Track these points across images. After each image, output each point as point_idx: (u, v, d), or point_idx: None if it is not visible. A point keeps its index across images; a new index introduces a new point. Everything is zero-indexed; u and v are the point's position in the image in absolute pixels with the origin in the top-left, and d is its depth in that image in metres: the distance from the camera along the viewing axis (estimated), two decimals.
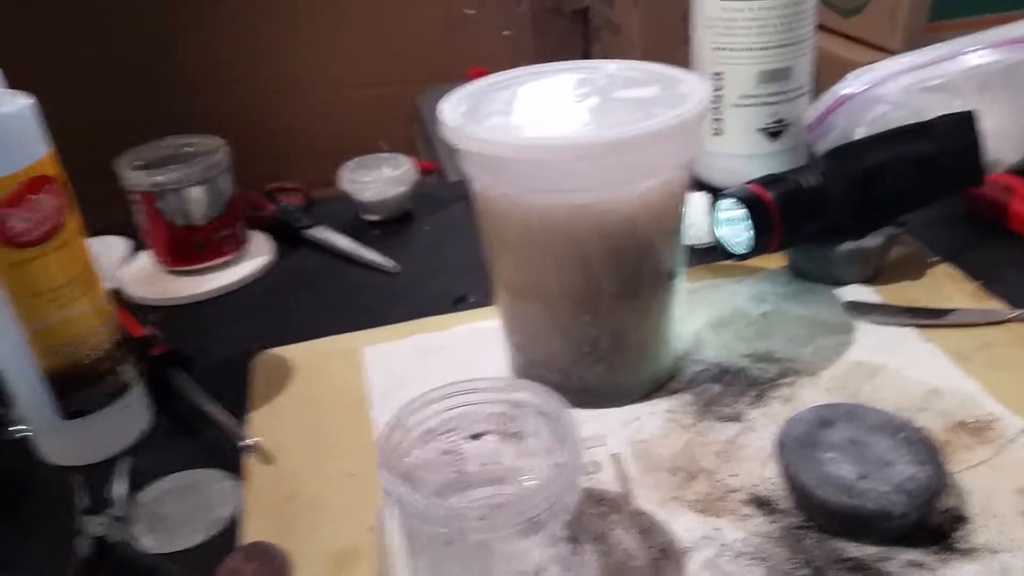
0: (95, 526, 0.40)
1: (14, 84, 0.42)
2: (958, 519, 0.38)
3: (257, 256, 0.68)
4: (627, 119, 0.42)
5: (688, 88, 0.44)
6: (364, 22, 1.34)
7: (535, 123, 0.44)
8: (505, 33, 1.35)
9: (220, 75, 1.31)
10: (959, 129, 0.57)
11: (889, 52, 0.88)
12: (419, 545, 0.34)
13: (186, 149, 0.65)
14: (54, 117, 0.43)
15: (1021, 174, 0.65)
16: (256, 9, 1.31)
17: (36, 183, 0.41)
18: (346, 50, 1.35)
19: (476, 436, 0.38)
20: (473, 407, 0.37)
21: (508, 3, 1.38)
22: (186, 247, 0.64)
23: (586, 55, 1.45)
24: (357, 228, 0.72)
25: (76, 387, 0.45)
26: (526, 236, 0.44)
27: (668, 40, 1.20)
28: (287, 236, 0.71)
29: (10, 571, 0.41)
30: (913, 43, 0.86)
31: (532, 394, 0.36)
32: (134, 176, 0.62)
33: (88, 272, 0.45)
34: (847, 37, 0.94)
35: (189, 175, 0.62)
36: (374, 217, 0.73)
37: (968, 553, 0.36)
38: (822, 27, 0.97)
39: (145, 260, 0.67)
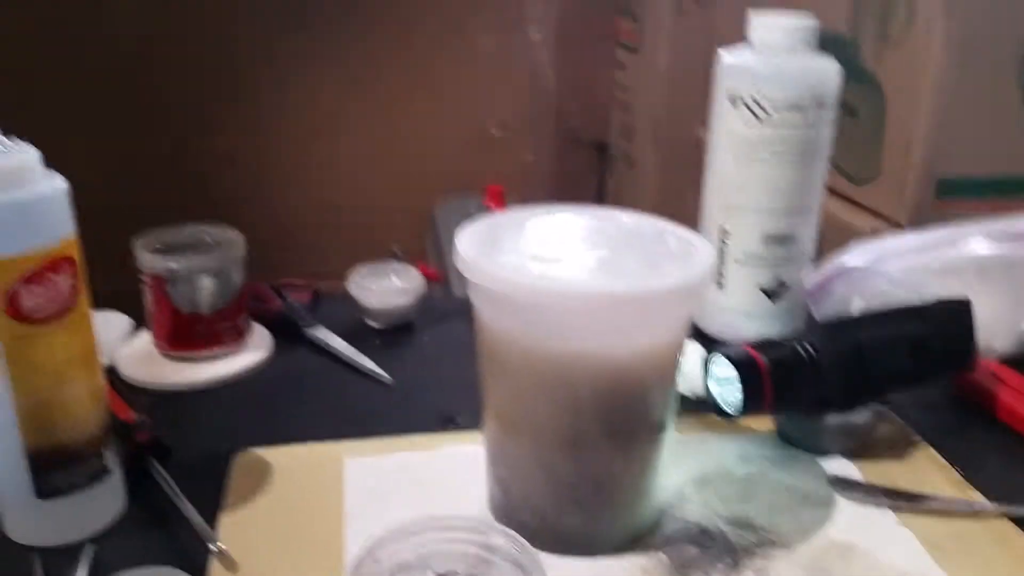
0: None
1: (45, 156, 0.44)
2: None
3: (256, 350, 0.68)
4: (635, 274, 0.44)
5: (696, 250, 0.46)
6: (392, 128, 1.39)
7: (546, 266, 0.45)
8: (528, 158, 1.40)
9: (252, 167, 1.36)
10: (955, 315, 0.59)
11: (895, 224, 0.91)
12: None
13: (205, 238, 0.67)
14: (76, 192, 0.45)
15: (1010, 363, 0.66)
16: (285, 109, 1.36)
17: (56, 264, 0.43)
18: (370, 153, 1.39)
19: None
20: (447, 546, 0.37)
21: (533, 127, 1.43)
22: (187, 334, 0.65)
23: (601, 184, 1.49)
24: (358, 333, 0.73)
25: (56, 467, 0.45)
26: (523, 371, 0.45)
27: (681, 180, 1.24)
28: (289, 333, 0.72)
29: None
30: (920, 218, 0.89)
31: (507, 540, 0.37)
32: (149, 259, 0.63)
33: (90, 353, 0.46)
34: (856, 204, 0.97)
35: (203, 264, 0.63)
36: (376, 324, 0.74)
37: None
38: (832, 191, 1.01)
39: (144, 341, 0.68)
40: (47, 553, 0.45)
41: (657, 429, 0.47)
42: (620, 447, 0.46)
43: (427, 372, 0.68)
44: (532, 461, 0.47)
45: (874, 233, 0.88)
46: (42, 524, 0.46)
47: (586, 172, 1.50)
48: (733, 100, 0.66)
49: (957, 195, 0.91)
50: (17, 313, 0.42)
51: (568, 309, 0.42)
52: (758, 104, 0.64)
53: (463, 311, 0.80)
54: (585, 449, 0.46)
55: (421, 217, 1.43)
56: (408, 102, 1.37)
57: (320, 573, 0.45)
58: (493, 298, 0.45)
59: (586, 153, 1.51)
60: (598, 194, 1.55)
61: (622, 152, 1.47)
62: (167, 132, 1.33)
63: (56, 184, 0.43)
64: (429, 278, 0.78)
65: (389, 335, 0.74)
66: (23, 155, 0.41)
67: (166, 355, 0.66)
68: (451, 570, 0.37)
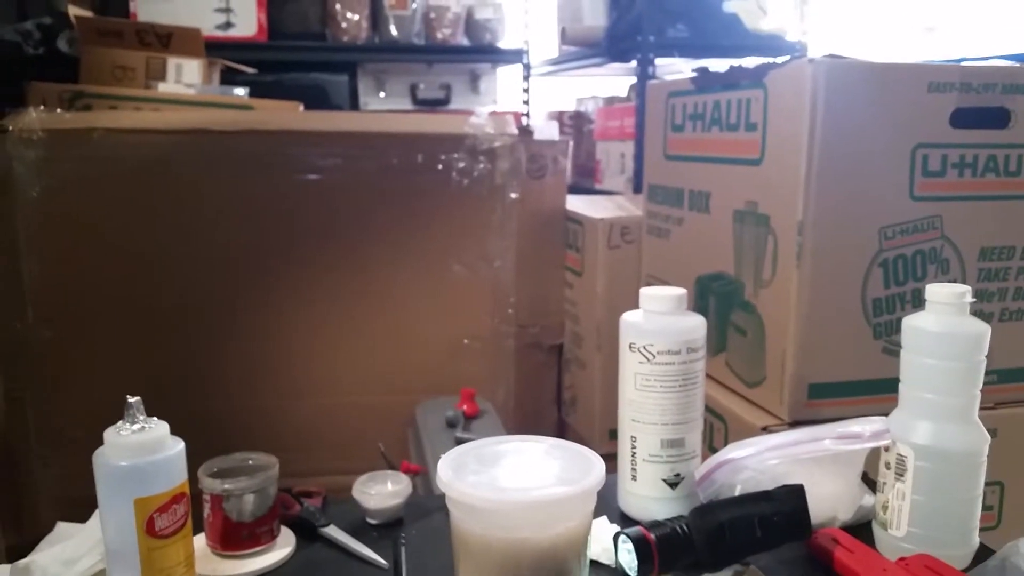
0: None
1: None
2: None
3: (284, 547, 0.90)
4: (551, 487, 0.68)
5: (596, 466, 0.70)
6: (382, 344, 1.65)
7: (497, 482, 0.69)
8: (495, 362, 1.66)
9: (257, 382, 1.60)
10: (791, 497, 0.82)
11: (779, 418, 1.16)
12: None
13: (248, 462, 0.90)
14: None
15: (848, 529, 0.89)
16: (289, 340, 1.62)
17: (177, 498, 0.66)
18: (364, 367, 1.65)
19: None
20: None
21: (498, 336, 1.70)
22: (235, 537, 0.87)
23: (559, 384, 1.75)
24: (360, 528, 0.95)
25: None
26: (480, 553, 0.69)
27: None
28: (307, 532, 0.94)
29: None
30: (797, 414, 1.14)
31: None
32: (210, 482, 0.86)
33: (191, 557, 0.68)
34: (750, 402, 1.23)
35: (250, 485, 0.86)
36: (374, 521, 0.96)
37: None
38: (732, 391, 1.26)
39: (199, 543, 0.89)
40: None
41: None
42: None
43: (415, 557, 0.90)
44: None
45: (762, 430, 1.13)
46: None
47: (545, 372, 1.76)
48: (630, 347, 0.92)
49: (825, 396, 1.17)
50: (152, 532, 0.64)
51: (506, 511, 0.66)
52: (646, 350, 0.90)
53: (440, 508, 1.03)
54: None
55: (403, 417, 1.67)
56: (396, 323, 1.65)
57: None
58: (461, 506, 0.69)
59: (544, 356, 1.78)
60: (557, 390, 1.81)
61: (574, 355, 1.74)
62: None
63: (179, 446, 0.67)
64: (412, 471, 1.00)
65: (384, 529, 0.96)
66: (161, 429, 0.66)
67: (218, 554, 0.87)
68: None
